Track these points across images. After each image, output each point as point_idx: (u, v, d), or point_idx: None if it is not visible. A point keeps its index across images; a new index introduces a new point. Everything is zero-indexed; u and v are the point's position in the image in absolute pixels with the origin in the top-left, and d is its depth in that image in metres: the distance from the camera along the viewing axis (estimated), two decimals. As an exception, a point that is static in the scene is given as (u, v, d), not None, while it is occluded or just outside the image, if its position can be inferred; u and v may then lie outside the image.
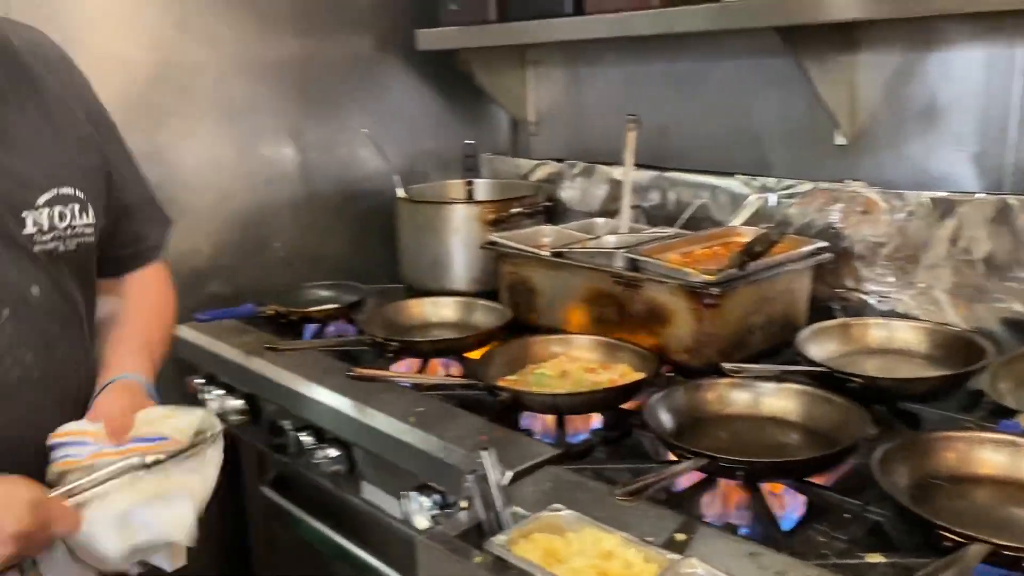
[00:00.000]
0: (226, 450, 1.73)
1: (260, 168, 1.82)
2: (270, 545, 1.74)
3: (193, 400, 1.62)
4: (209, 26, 1.72)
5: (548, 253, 1.50)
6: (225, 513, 1.82)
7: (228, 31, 1.74)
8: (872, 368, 1.24)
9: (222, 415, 1.56)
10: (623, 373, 1.28)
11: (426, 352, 1.42)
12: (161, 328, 1.16)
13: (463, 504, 1.03)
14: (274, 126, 1.83)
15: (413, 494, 1.15)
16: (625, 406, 1.22)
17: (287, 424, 1.42)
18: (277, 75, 1.82)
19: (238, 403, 1.54)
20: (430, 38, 1.91)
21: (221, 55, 1.74)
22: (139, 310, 1.14)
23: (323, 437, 1.35)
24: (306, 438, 1.38)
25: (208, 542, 1.81)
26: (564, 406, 1.18)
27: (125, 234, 1.11)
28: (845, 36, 1.48)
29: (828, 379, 1.16)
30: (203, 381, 1.61)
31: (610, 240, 1.55)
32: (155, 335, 1.13)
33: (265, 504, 1.65)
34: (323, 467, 1.35)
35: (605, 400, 1.19)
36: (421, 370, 1.41)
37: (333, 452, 1.33)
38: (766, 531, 0.92)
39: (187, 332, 1.64)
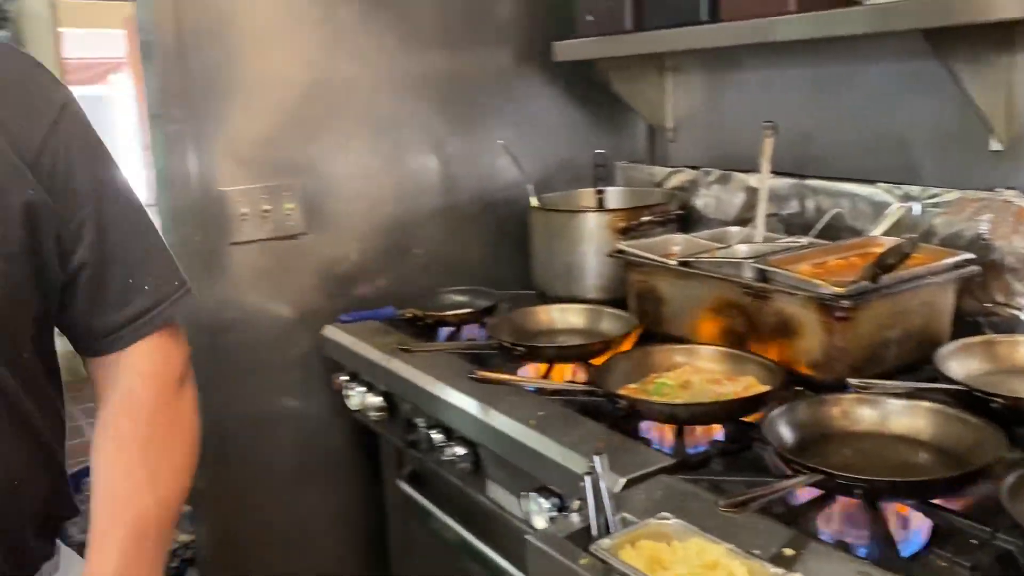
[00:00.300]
0: (367, 446, 1.85)
1: (405, 179, 1.92)
2: (406, 538, 1.83)
3: (337, 396, 1.73)
4: (360, 45, 1.83)
5: (675, 262, 1.50)
6: (365, 505, 1.93)
7: (377, 49, 1.85)
8: (1018, 388, 1.17)
9: (363, 410, 1.66)
10: (748, 385, 1.26)
11: (550, 357, 1.46)
12: (148, 471, 0.91)
13: (575, 507, 1.06)
14: (418, 138, 1.92)
15: (533, 495, 1.18)
16: (749, 419, 1.20)
17: (420, 422, 1.49)
18: (422, 90, 1.91)
19: (377, 400, 1.63)
20: (567, 49, 1.94)
21: (370, 72, 1.85)
22: (116, 461, 0.91)
23: (451, 435, 1.41)
24: (436, 436, 1.44)
25: (348, 533, 1.95)
26: (682, 416, 1.18)
27: (98, 298, 0.90)
28: (1002, 36, 1.39)
29: (967, 398, 1.10)
30: (347, 378, 1.71)
31: (741, 249, 1.53)
32: (139, 487, 0.90)
33: (401, 498, 1.73)
34: (451, 464, 1.41)
35: (725, 412, 1.19)
36: (546, 375, 1.45)
37: (460, 450, 1.38)
38: (883, 553, 0.89)
39: (333, 332, 1.76)
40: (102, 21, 5.60)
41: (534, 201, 1.87)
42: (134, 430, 0.92)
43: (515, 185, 1.93)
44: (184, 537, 2.03)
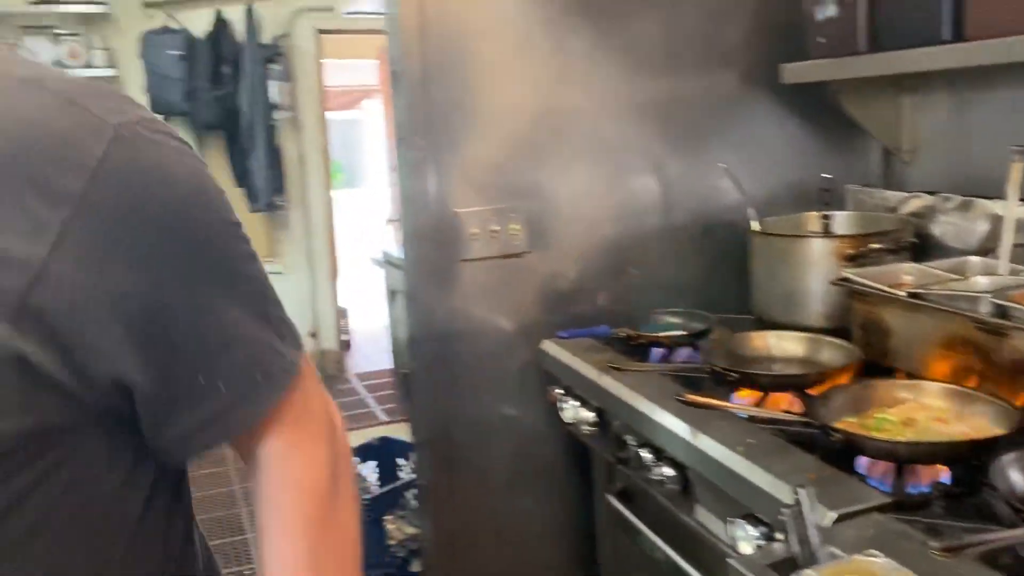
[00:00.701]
0: (579, 458, 1.92)
1: (624, 201, 1.97)
2: (615, 551, 1.87)
3: (552, 408, 1.81)
4: (586, 74, 1.91)
5: (905, 293, 1.43)
6: (576, 516, 1.99)
7: (603, 77, 1.92)
8: None
9: (576, 424, 1.73)
10: (979, 427, 1.19)
11: (764, 385, 1.44)
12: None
13: (782, 536, 1.06)
14: (639, 162, 1.97)
15: (739, 521, 1.19)
16: (979, 462, 1.13)
17: (630, 439, 1.53)
18: (644, 115, 1.96)
19: (590, 415, 1.69)
20: (797, 71, 1.91)
21: (595, 99, 1.93)
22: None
23: (661, 456, 1.44)
24: (646, 455, 1.48)
25: (560, 541, 2.03)
26: (903, 455, 1.14)
27: (161, 409, 0.68)
28: None
29: None
30: (562, 392, 1.79)
31: (980, 282, 1.44)
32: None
33: (611, 512, 1.78)
34: (660, 484, 1.44)
35: (951, 453, 1.13)
36: (759, 403, 1.43)
37: (669, 471, 1.41)
38: None
39: (550, 347, 1.84)
40: (358, 52, 6.16)
41: (755, 225, 1.85)
42: (296, 550, 0.76)
43: (736, 208, 1.93)
44: (410, 530, 2.21)
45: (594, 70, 1.92)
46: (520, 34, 1.87)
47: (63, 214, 0.58)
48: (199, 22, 4.97)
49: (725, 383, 1.47)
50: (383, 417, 4.70)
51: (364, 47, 5.84)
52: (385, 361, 5.31)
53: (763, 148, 2.03)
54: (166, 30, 4.97)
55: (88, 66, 5.09)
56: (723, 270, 1.99)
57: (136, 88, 5.08)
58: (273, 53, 4.97)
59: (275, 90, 4.96)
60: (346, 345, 5.92)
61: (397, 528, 2.38)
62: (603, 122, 1.93)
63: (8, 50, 0.67)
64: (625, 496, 1.73)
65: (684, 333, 1.73)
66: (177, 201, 0.65)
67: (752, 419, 1.33)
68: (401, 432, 3.17)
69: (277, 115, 5.03)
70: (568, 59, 1.89)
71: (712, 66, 2.00)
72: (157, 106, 5.00)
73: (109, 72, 5.14)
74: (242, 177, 5.08)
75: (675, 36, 1.96)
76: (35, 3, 4.93)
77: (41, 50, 4.98)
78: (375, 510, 2.46)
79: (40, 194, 0.57)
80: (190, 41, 4.93)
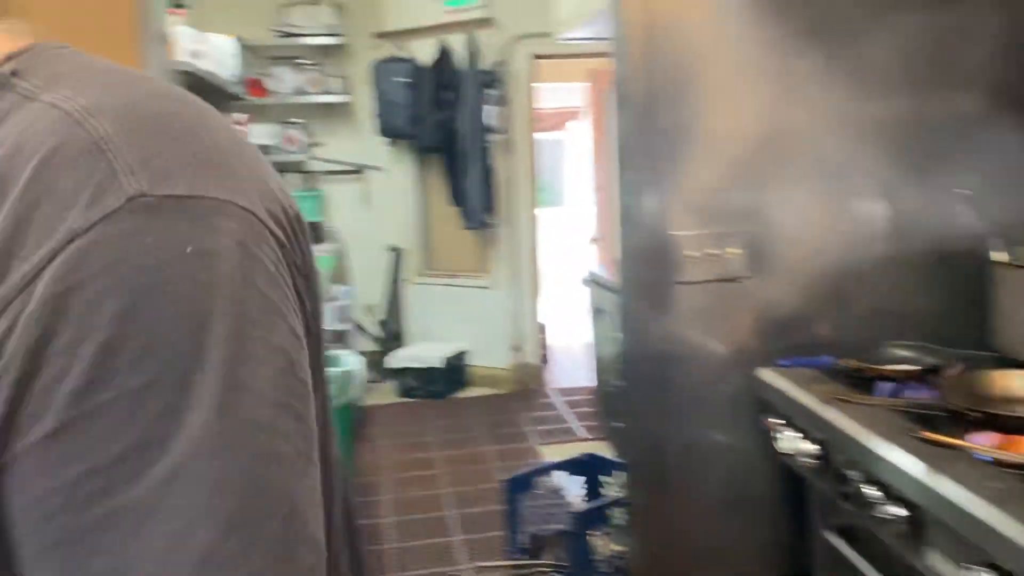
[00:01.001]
0: (792, 490, 1.87)
1: (850, 226, 1.91)
2: (829, 590, 1.80)
3: (764, 436, 1.78)
4: (812, 94, 1.87)
5: None
6: (788, 549, 1.94)
7: (829, 96, 1.88)
8: None
9: (793, 455, 1.69)
10: None
11: (1011, 427, 1.35)
12: None
13: (1032, 590, 0.99)
14: (867, 186, 1.90)
15: (979, 569, 1.12)
16: None
17: (854, 475, 1.48)
18: (873, 135, 1.89)
19: (812, 447, 1.64)
20: (1051, 91, 1.77)
21: (820, 120, 1.88)
22: None
23: (888, 494, 1.38)
24: (871, 492, 1.42)
25: (770, 573, 1.97)
26: None
27: None
28: None
29: None
30: (780, 421, 1.75)
31: None
32: None
33: (828, 549, 1.72)
34: (884, 523, 1.38)
35: None
36: (1002, 445, 1.34)
37: (897, 510, 1.35)
38: None
39: (768, 375, 1.81)
40: (567, 76, 6.31)
41: (998, 255, 1.73)
42: None
43: (976, 237, 1.81)
44: (617, 547, 2.24)
45: (821, 91, 1.87)
46: (745, 56, 1.87)
47: (7, 299, 0.41)
48: (424, 51, 5.30)
49: (963, 423, 1.39)
50: (582, 433, 4.75)
51: (573, 70, 5.98)
52: (582, 377, 5.38)
53: (1008, 173, 1.89)
54: (394, 59, 5.34)
55: (326, 92, 5.58)
56: (959, 303, 1.87)
57: (366, 114, 5.50)
58: (491, 79, 5.20)
59: (491, 113, 5.19)
60: (544, 360, 6.05)
61: (604, 544, 2.41)
62: (829, 145, 1.88)
63: (105, 68, 0.49)
64: (845, 533, 1.67)
65: (917, 368, 1.65)
66: (155, 312, 0.41)
67: (997, 462, 1.25)
68: (600, 449, 3.21)
69: (491, 137, 5.26)
70: (793, 80, 1.86)
71: (951, 86, 1.89)
72: (385, 130, 5.40)
73: (344, 98, 5.61)
74: (458, 197, 5.35)
75: (910, 55, 1.88)
76: (281, 36, 5.47)
77: (286, 78, 5.52)
78: (581, 525, 2.51)
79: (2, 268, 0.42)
80: (416, 69, 5.27)
